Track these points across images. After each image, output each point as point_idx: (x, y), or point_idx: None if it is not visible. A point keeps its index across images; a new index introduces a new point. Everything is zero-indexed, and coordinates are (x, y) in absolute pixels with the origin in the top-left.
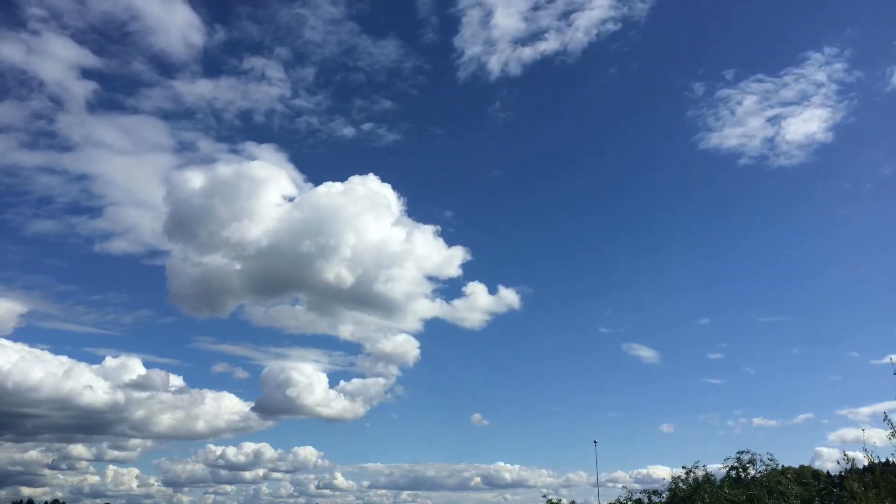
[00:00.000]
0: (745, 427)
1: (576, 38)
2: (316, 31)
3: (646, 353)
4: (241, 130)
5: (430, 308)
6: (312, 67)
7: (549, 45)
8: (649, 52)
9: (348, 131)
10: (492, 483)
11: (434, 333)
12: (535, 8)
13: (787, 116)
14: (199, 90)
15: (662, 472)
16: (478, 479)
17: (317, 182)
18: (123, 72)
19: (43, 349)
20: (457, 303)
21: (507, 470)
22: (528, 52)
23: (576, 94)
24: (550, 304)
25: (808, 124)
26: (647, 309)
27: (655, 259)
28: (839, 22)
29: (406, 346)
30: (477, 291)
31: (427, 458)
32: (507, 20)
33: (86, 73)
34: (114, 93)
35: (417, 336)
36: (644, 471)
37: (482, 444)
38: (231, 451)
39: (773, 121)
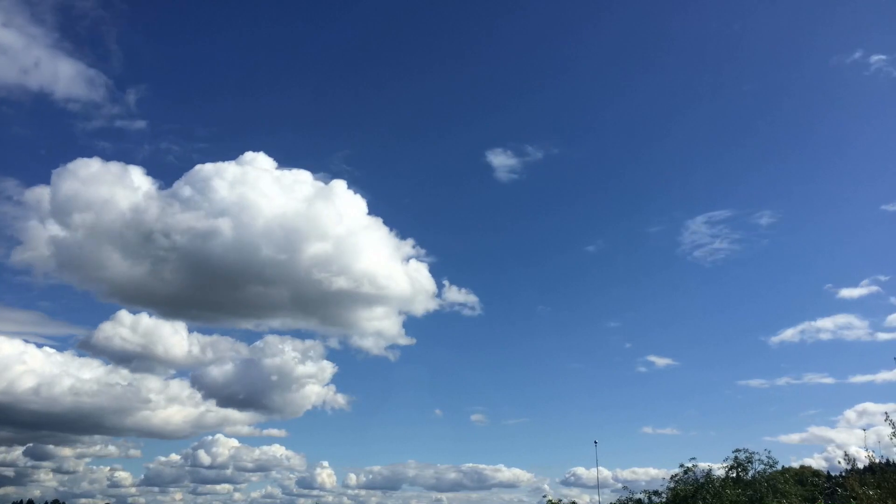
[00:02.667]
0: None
1: None
2: None
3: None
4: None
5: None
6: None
7: None
8: None
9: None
10: (471, 483)
11: (411, 329)
12: None
13: None
14: None
15: (642, 473)
16: (456, 478)
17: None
18: None
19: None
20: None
21: (485, 470)
22: None
23: None
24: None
25: None
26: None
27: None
28: None
29: (378, 342)
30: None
31: (406, 457)
32: None
33: None
34: None
35: (388, 333)
36: (625, 471)
37: (460, 444)
38: (212, 450)
39: None
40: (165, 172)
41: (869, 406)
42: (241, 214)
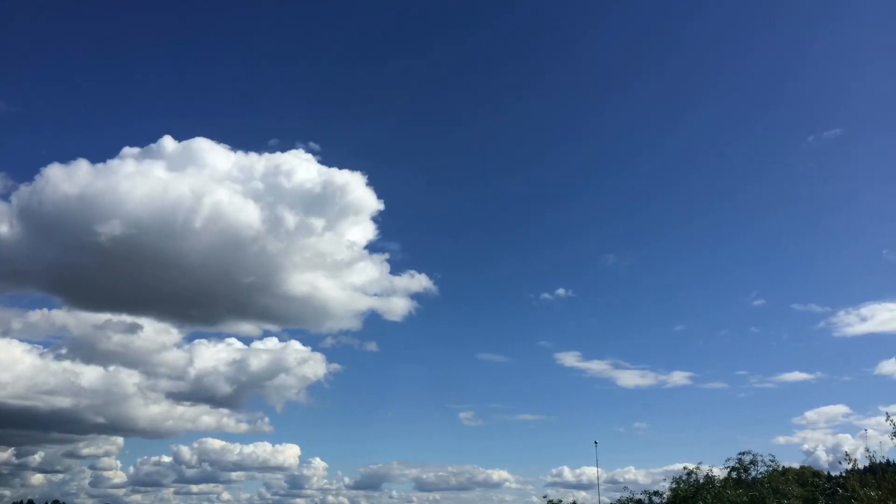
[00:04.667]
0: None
1: None
2: None
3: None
4: None
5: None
6: None
7: None
8: None
9: None
10: (458, 483)
11: (396, 328)
12: None
13: None
14: None
15: (631, 473)
16: (444, 477)
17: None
18: None
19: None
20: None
21: (473, 470)
22: None
23: None
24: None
25: None
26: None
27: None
28: None
29: (366, 342)
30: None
31: (392, 457)
32: None
33: None
34: None
35: (373, 333)
36: (611, 472)
37: (449, 443)
38: (199, 449)
39: None
40: None
41: (833, 409)
42: (196, 208)
